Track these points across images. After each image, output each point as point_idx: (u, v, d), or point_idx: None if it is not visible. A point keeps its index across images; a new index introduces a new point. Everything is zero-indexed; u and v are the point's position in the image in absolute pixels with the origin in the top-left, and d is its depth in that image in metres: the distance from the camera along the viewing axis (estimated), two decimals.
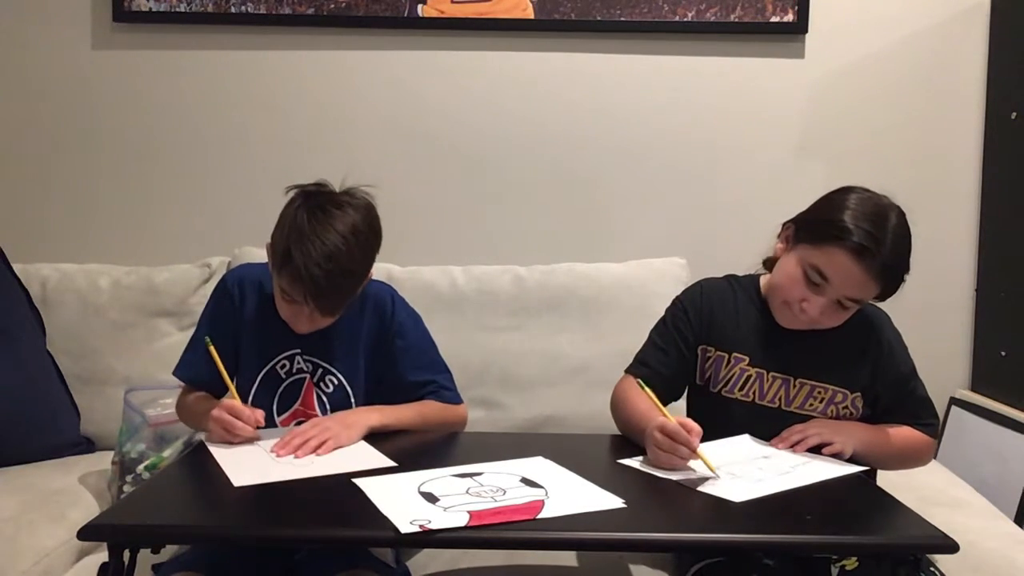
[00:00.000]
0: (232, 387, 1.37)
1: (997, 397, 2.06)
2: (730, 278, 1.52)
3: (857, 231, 1.28)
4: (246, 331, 1.47)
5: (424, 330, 1.54)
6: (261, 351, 1.46)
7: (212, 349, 1.37)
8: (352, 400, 1.46)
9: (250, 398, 1.45)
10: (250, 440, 1.30)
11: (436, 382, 1.50)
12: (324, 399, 1.46)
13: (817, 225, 1.34)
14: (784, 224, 1.42)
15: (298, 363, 1.46)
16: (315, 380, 1.46)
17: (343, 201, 1.37)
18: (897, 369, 1.41)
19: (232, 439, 1.29)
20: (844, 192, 1.36)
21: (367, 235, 1.37)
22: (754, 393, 1.41)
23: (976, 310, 2.21)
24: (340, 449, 1.28)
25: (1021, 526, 1.61)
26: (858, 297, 1.33)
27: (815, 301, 1.33)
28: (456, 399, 1.52)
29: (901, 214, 1.34)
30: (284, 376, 1.46)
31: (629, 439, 1.38)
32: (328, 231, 1.31)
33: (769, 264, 1.47)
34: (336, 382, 1.46)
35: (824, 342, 1.39)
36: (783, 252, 1.40)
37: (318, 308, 1.34)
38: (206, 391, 1.47)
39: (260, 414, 1.32)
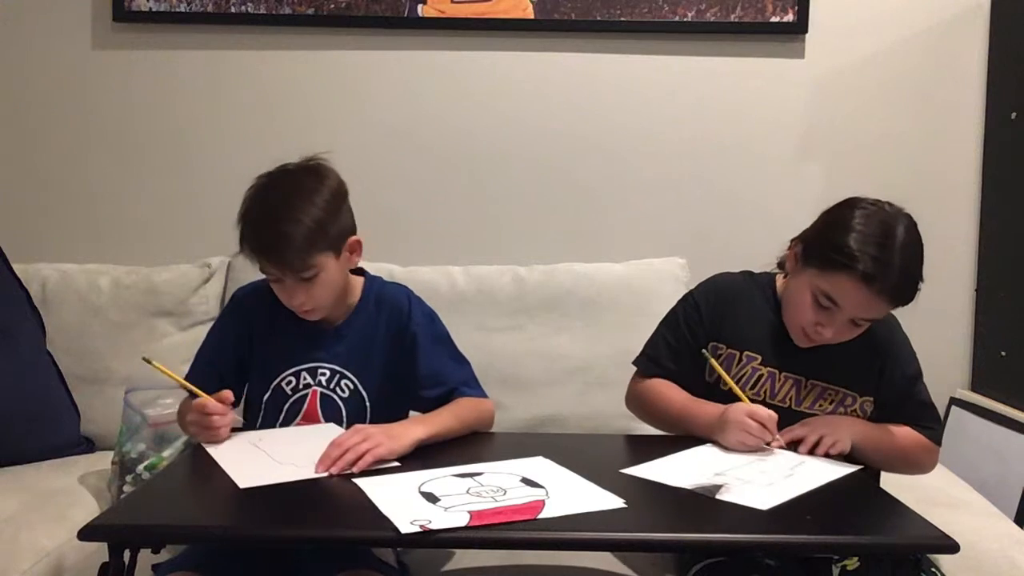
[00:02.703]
0: (195, 388, 1.34)
1: (997, 397, 2.06)
2: (747, 274, 1.51)
3: (863, 258, 1.26)
4: (257, 347, 1.47)
5: (442, 328, 1.51)
6: (269, 369, 1.45)
7: (157, 365, 1.34)
8: (367, 404, 1.44)
9: (260, 416, 1.44)
10: (228, 424, 1.29)
11: (460, 380, 1.46)
12: (339, 404, 1.44)
13: (823, 250, 1.32)
14: (792, 241, 1.41)
15: (304, 378, 1.44)
16: (330, 386, 1.44)
17: (288, 169, 1.41)
18: (903, 371, 1.41)
19: (215, 435, 1.28)
20: (849, 208, 1.33)
21: (316, 190, 1.37)
22: (765, 392, 1.41)
23: (976, 310, 2.21)
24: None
25: (1021, 526, 1.61)
26: (871, 317, 1.33)
27: (829, 324, 1.33)
28: (482, 394, 1.48)
29: (909, 226, 1.31)
30: (290, 392, 1.44)
31: (661, 430, 1.47)
32: (269, 194, 1.37)
33: (783, 266, 1.46)
34: (351, 387, 1.44)
35: (837, 344, 1.38)
36: (792, 271, 1.39)
37: (279, 268, 1.34)
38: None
39: (227, 396, 1.31)
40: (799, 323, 1.37)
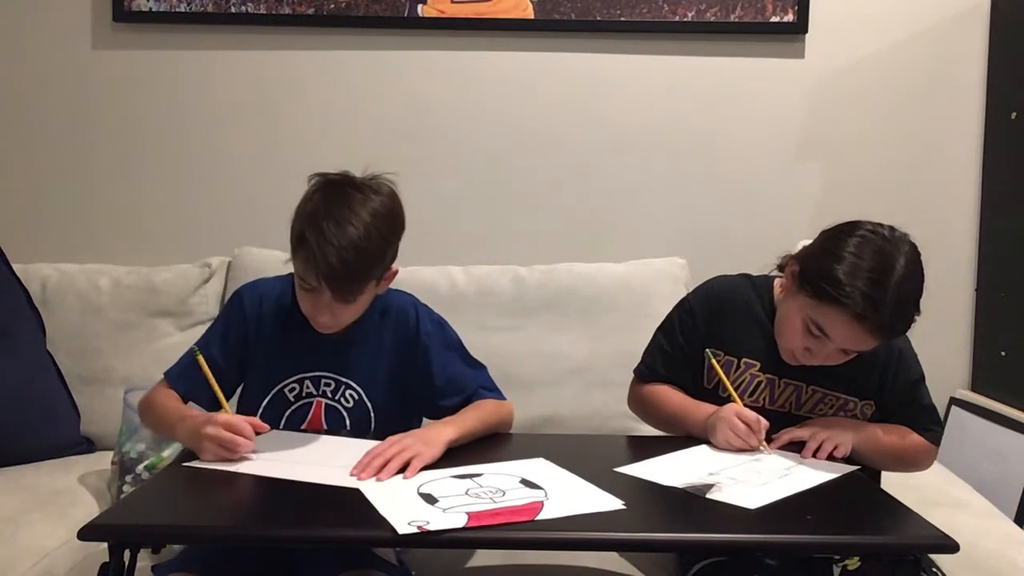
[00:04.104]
0: (227, 404, 1.29)
1: (997, 397, 2.06)
2: (745, 278, 1.49)
3: (854, 294, 1.22)
4: (258, 349, 1.42)
5: (453, 335, 1.48)
6: (271, 374, 1.42)
7: (202, 360, 1.30)
8: (372, 415, 1.41)
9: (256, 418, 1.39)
10: (248, 453, 1.22)
11: (478, 384, 1.45)
12: (344, 414, 1.41)
13: (816, 279, 1.28)
14: (789, 259, 1.38)
15: (307, 387, 1.41)
16: (335, 396, 1.41)
17: (363, 185, 1.35)
18: (905, 376, 1.40)
19: (230, 456, 1.20)
20: (846, 235, 1.29)
21: (385, 218, 1.33)
22: (764, 399, 1.40)
23: (976, 310, 2.21)
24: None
25: (1021, 526, 1.61)
26: (861, 350, 1.31)
27: (818, 351, 1.32)
28: (501, 396, 1.46)
29: (910, 258, 1.26)
30: (292, 399, 1.41)
31: (662, 431, 1.48)
32: (343, 211, 1.29)
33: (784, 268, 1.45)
34: (356, 397, 1.41)
35: None
36: (787, 291, 1.37)
37: (331, 290, 1.28)
38: (193, 402, 1.39)
39: (262, 426, 1.24)
40: (788, 346, 1.36)
